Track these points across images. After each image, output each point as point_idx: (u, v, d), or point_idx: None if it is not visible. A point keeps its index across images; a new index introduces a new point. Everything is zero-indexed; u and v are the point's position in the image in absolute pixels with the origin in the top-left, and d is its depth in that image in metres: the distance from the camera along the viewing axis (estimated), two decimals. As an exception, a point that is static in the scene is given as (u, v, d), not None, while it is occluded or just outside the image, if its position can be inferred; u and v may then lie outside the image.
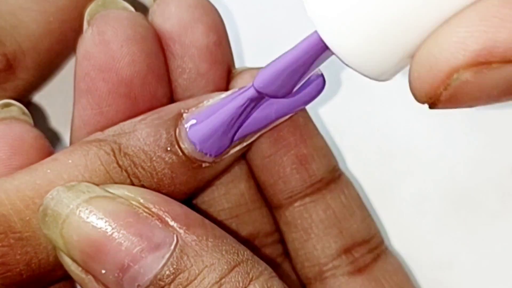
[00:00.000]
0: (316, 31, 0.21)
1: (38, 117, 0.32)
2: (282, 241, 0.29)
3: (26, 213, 0.22)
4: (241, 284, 0.21)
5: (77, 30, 0.29)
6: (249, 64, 0.29)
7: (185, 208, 0.23)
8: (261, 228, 0.29)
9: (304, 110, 0.27)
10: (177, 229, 0.22)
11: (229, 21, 0.30)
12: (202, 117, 0.24)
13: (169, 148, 0.24)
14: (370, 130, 0.31)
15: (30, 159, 0.25)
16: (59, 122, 0.32)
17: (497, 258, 0.30)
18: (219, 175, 0.27)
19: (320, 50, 0.21)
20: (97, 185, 0.23)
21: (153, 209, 0.22)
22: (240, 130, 0.25)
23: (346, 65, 0.20)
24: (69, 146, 0.25)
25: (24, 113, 0.27)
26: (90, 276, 0.22)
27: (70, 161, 0.23)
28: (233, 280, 0.21)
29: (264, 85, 0.24)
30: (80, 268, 0.22)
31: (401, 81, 0.30)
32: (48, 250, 0.22)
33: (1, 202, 0.22)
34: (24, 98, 0.30)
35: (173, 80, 0.27)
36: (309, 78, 0.25)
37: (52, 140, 0.31)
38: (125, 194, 0.22)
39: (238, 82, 0.27)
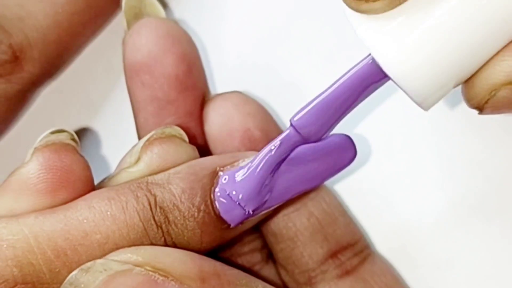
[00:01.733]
0: (369, 60, 0.23)
1: (45, 114, 0.32)
2: (260, 249, 0.30)
3: (56, 265, 0.23)
4: None
5: (86, 23, 0.30)
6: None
7: (197, 259, 0.23)
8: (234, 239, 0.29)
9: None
10: (193, 285, 0.22)
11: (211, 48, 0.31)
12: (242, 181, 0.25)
13: (202, 208, 0.24)
14: (367, 127, 0.32)
15: (75, 193, 0.25)
16: (65, 119, 0.33)
17: (497, 258, 0.31)
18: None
19: (372, 79, 0.23)
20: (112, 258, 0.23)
21: (168, 270, 0.22)
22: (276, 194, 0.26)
23: (401, 88, 0.22)
24: (104, 190, 0.25)
25: (73, 139, 0.27)
26: None
27: (108, 212, 0.24)
28: None
29: (304, 123, 0.24)
30: None
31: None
32: None
33: (31, 250, 0.22)
34: (30, 91, 0.30)
35: (142, 108, 0.28)
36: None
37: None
38: (140, 260, 0.23)
39: (210, 107, 0.29)
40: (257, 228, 0.30)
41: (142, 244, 0.24)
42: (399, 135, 0.31)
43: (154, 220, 0.24)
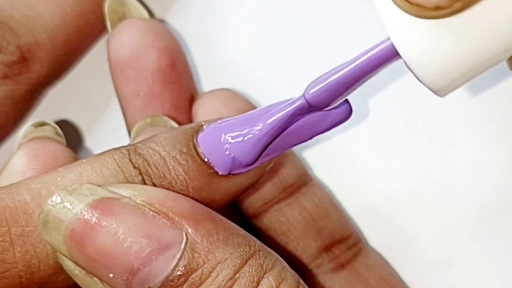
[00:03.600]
0: (385, 44, 0.22)
1: (51, 113, 0.32)
2: None
3: (31, 206, 0.22)
4: (255, 278, 0.21)
5: (94, 24, 0.30)
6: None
7: (191, 201, 0.22)
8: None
9: None
10: (186, 225, 0.21)
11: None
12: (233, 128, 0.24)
13: (185, 150, 0.23)
14: (368, 127, 0.32)
15: None
16: (74, 119, 0.33)
17: (497, 258, 0.31)
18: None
19: (388, 60, 0.22)
20: (100, 186, 0.22)
21: (159, 207, 0.21)
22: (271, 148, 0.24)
23: (415, 75, 0.22)
24: None
25: (57, 133, 0.27)
26: (95, 279, 0.21)
27: (84, 160, 0.23)
28: (247, 274, 0.21)
29: (319, 98, 0.23)
30: (84, 272, 0.21)
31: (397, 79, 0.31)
32: (47, 250, 0.22)
33: (10, 195, 0.22)
34: (37, 92, 0.30)
35: (130, 103, 0.29)
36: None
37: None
38: (130, 192, 0.22)
39: (199, 104, 0.29)
40: (249, 222, 0.30)
41: (117, 180, 0.23)
42: (398, 132, 0.31)
43: (131, 161, 0.23)
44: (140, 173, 0.23)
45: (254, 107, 0.30)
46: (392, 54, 0.22)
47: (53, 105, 0.32)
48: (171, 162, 0.23)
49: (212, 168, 0.23)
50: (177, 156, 0.23)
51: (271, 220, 0.29)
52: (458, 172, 0.31)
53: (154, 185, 0.23)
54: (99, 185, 0.22)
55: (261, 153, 0.24)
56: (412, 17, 0.21)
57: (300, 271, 0.29)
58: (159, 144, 0.23)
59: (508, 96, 0.31)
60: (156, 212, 0.21)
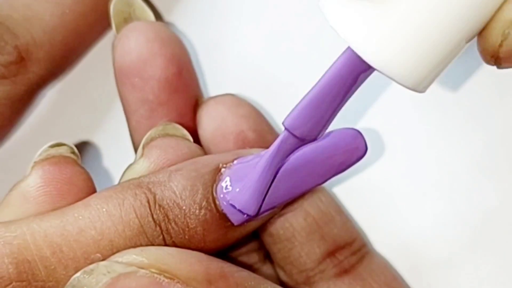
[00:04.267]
0: (350, 52, 0.22)
1: (49, 114, 0.32)
2: (257, 250, 0.30)
3: (52, 261, 0.22)
4: None
5: (93, 24, 0.30)
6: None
7: (204, 260, 0.23)
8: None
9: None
10: None
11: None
12: (242, 177, 0.25)
13: (204, 205, 0.24)
14: (369, 126, 0.32)
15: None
16: (74, 120, 0.33)
17: (497, 258, 0.31)
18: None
19: (354, 70, 0.22)
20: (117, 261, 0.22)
21: (173, 272, 0.22)
22: (276, 196, 0.26)
23: (388, 76, 0.21)
24: (104, 190, 0.25)
25: (73, 152, 0.27)
26: None
27: (104, 209, 0.24)
28: None
29: (296, 123, 0.24)
30: None
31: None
32: None
33: (27, 247, 0.22)
34: (35, 92, 0.30)
35: (134, 111, 0.29)
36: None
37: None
38: (144, 262, 0.22)
39: (204, 110, 0.29)
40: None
41: (138, 241, 0.24)
42: (398, 134, 0.31)
43: (153, 218, 0.24)
44: (162, 233, 0.24)
45: (258, 113, 0.30)
46: (356, 63, 0.22)
47: (52, 105, 0.32)
48: (191, 218, 0.24)
49: (229, 220, 0.25)
50: (197, 212, 0.24)
51: (275, 226, 0.29)
52: (458, 172, 0.31)
53: (174, 243, 0.24)
54: (117, 261, 0.22)
55: (264, 198, 0.25)
56: (368, 21, 0.20)
57: (304, 276, 0.29)
58: (178, 194, 0.24)
59: (508, 96, 0.31)
60: (170, 278, 0.22)
